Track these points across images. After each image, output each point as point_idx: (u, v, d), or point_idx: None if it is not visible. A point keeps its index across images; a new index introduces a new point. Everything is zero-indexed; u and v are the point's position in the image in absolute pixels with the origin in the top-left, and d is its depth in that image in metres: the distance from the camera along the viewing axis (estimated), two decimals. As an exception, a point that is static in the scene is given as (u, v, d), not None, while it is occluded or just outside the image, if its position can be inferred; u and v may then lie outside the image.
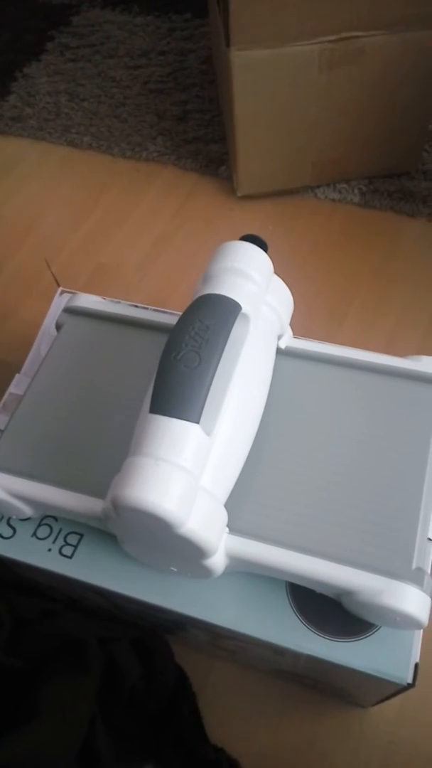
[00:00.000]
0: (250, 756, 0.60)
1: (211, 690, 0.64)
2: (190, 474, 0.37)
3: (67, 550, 0.49)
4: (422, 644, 0.45)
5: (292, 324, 0.52)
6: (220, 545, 0.42)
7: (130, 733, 0.58)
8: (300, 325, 0.55)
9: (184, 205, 1.06)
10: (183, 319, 0.41)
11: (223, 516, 0.41)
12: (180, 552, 0.41)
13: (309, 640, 0.45)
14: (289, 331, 0.51)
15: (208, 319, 0.40)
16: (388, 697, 0.52)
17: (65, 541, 0.50)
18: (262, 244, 0.46)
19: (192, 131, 1.14)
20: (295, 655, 0.47)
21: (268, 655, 0.51)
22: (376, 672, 0.44)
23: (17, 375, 0.61)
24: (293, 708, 0.64)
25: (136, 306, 0.59)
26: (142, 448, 0.37)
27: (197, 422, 0.38)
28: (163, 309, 0.59)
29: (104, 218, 1.05)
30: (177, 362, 0.39)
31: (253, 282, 0.44)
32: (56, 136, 1.17)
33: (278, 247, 0.98)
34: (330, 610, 0.45)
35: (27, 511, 0.48)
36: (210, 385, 0.38)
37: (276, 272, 0.48)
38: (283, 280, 0.48)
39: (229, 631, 0.47)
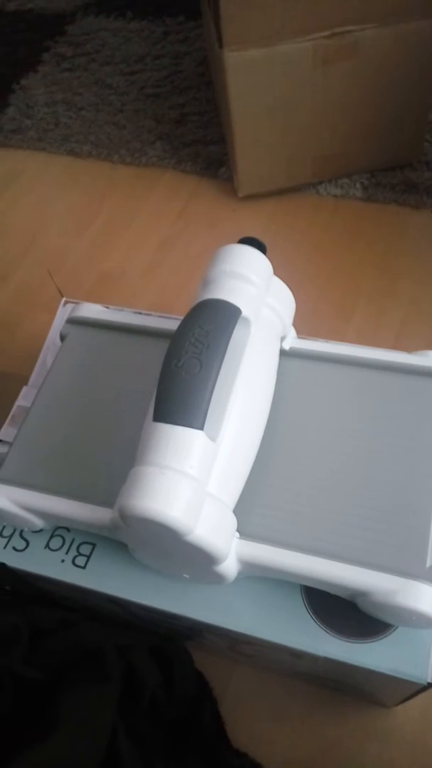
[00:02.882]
0: (274, 760, 0.60)
1: (233, 694, 0.64)
2: (196, 481, 0.37)
3: (80, 561, 0.49)
4: (442, 643, 0.44)
5: (298, 323, 0.51)
6: (231, 551, 0.41)
7: (153, 741, 0.58)
8: (307, 323, 0.55)
9: (186, 209, 1.05)
10: (183, 326, 0.41)
11: (232, 521, 0.41)
12: (191, 559, 0.41)
13: (326, 642, 0.45)
14: (292, 332, 0.51)
15: (208, 325, 0.40)
16: (410, 697, 0.52)
17: (78, 551, 0.50)
18: (261, 246, 0.46)
19: (191, 134, 1.14)
20: (313, 658, 0.46)
21: (287, 658, 0.51)
22: (395, 672, 0.43)
23: (24, 387, 0.61)
24: (316, 710, 0.64)
25: (140, 313, 0.59)
26: (146, 457, 0.37)
27: (201, 429, 0.37)
28: (167, 315, 0.59)
29: (107, 226, 1.06)
30: (178, 369, 0.39)
31: (253, 285, 0.44)
32: (56, 146, 1.18)
33: (282, 246, 0.98)
34: (346, 612, 0.44)
35: (39, 523, 0.48)
36: (212, 390, 0.38)
37: (280, 271, 0.48)
38: (288, 279, 0.48)
39: (245, 636, 0.47)
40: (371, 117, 0.92)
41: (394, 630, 0.45)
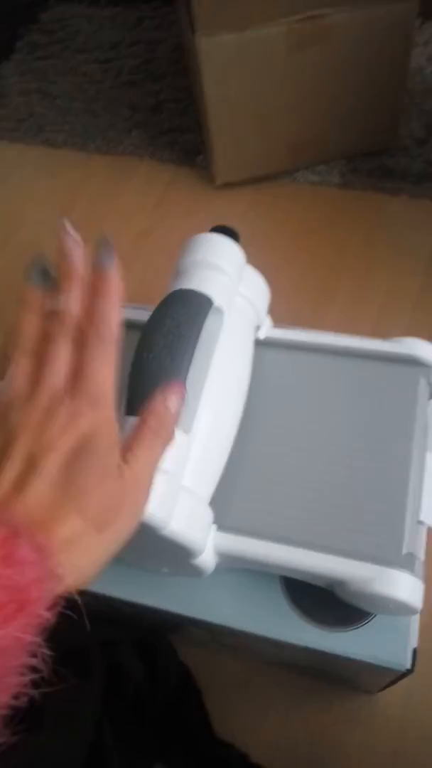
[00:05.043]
0: (261, 749, 0.60)
1: (217, 686, 0.64)
2: (169, 474, 0.36)
3: (58, 557, 0.49)
4: (421, 629, 0.45)
5: (277, 311, 0.51)
6: (208, 543, 0.41)
7: (138, 735, 0.57)
8: (286, 312, 0.54)
9: (164, 198, 1.04)
10: (153, 318, 0.40)
11: (207, 514, 0.40)
12: (168, 553, 0.40)
13: (305, 632, 0.45)
14: (267, 321, 0.50)
15: (179, 316, 0.40)
16: (392, 683, 0.52)
17: (55, 548, 0.49)
18: (233, 234, 0.46)
19: (167, 122, 1.13)
20: (294, 648, 0.46)
21: (269, 648, 0.51)
22: (375, 660, 0.43)
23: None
24: (301, 698, 0.64)
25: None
26: (118, 452, 0.37)
27: (173, 421, 0.37)
28: (141, 306, 0.58)
29: (84, 216, 1.04)
30: (149, 362, 0.38)
31: (224, 274, 0.43)
32: (31, 135, 1.16)
33: (260, 234, 0.97)
34: (325, 601, 0.44)
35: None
36: (185, 383, 0.38)
37: (258, 259, 0.47)
38: (266, 268, 0.47)
39: (225, 628, 0.46)
40: (347, 102, 0.91)
41: (373, 617, 0.45)
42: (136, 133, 1.12)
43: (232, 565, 0.44)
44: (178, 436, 0.37)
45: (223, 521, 0.42)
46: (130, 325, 0.53)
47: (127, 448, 0.30)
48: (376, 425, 0.46)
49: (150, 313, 0.51)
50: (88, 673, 0.55)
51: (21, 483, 0.28)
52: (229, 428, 0.43)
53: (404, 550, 0.40)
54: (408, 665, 0.43)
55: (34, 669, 0.25)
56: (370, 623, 0.44)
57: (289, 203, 0.99)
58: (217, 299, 0.42)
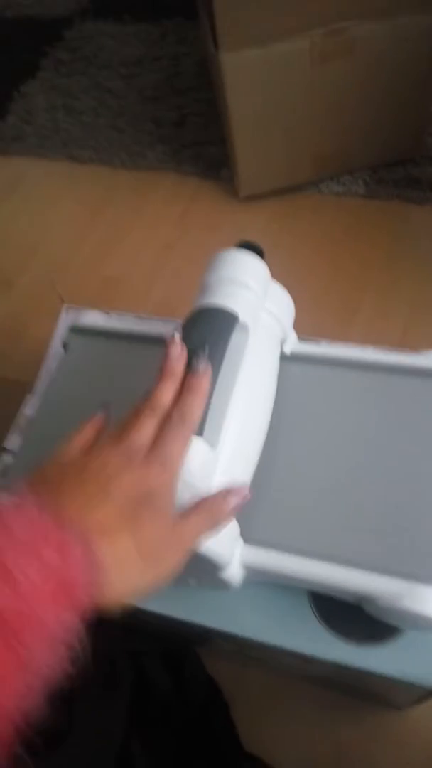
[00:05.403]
0: (288, 763, 0.60)
1: (245, 699, 0.64)
2: (196, 488, 0.37)
3: (87, 570, 0.49)
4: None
5: (301, 324, 0.51)
6: (235, 557, 0.41)
7: (164, 746, 0.57)
8: (310, 325, 0.54)
9: (188, 211, 1.05)
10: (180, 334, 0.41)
11: (234, 528, 0.40)
12: (195, 565, 0.40)
13: (334, 647, 0.44)
14: (293, 336, 0.50)
15: (206, 332, 0.40)
16: (422, 699, 0.51)
17: (84, 560, 0.50)
18: (258, 250, 0.46)
19: (190, 135, 1.14)
20: (322, 663, 0.46)
21: (296, 662, 0.51)
22: (405, 676, 0.43)
23: (28, 395, 0.61)
24: (329, 713, 0.63)
25: (142, 318, 0.59)
26: (147, 467, 0.37)
27: (201, 435, 0.37)
28: (168, 319, 0.59)
29: (108, 231, 1.06)
30: (177, 378, 0.39)
31: (250, 290, 0.44)
32: (56, 151, 1.18)
33: (284, 246, 0.98)
34: (354, 615, 0.44)
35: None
36: (211, 398, 0.38)
37: (282, 272, 0.47)
38: (290, 280, 0.48)
39: (252, 641, 0.46)
40: (371, 113, 0.91)
41: (402, 633, 0.44)
42: (160, 147, 1.14)
43: (260, 579, 0.44)
44: (205, 450, 0.37)
45: (249, 534, 0.42)
46: (158, 340, 0.54)
47: (184, 513, 0.35)
48: (405, 439, 0.45)
49: (176, 327, 0.52)
50: (114, 683, 0.55)
51: (92, 501, 0.33)
52: (255, 442, 0.43)
53: (434, 566, 0.40)
54: (439, 682, 0.42)
55: (76, 654, 0.28)
56: (399, 639, 0.44)
57: (312, 215, 1.00)
58: (243, 315, 0.42)
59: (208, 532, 0.36)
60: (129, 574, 0.32)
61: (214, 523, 0.36)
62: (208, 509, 0.36)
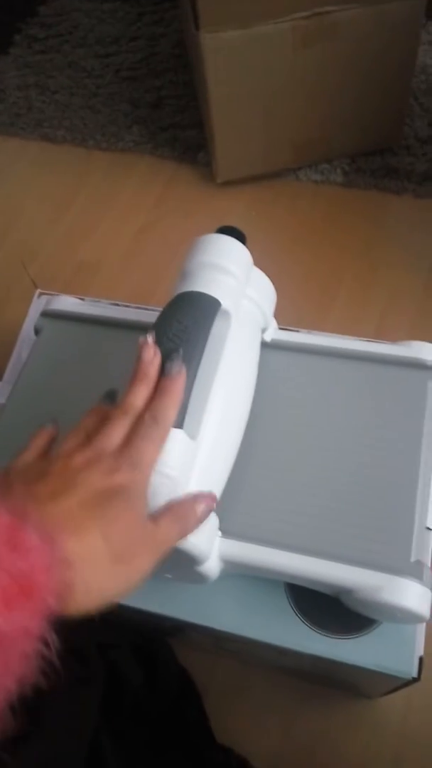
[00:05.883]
0: (261, 754, 0.60)
1: (217, 690, 0.64)
2: (175, 481, 0.36)
3: (59, 562, 0.48)
4: (427, 637, 0.44)
5: (280, 311, 0.50)
6: (213, 550, 0.40)
7: (136, 740, 0.57)
8: (287, 313, 0.53)
9: (164, 195, 1.03)
10: (160, 321, 0.40)
11: (213, 521, 0.40)
12: (172, 559, 0.40)
13: (311, 639, 0.44)
14: (273, 324, 0.49)
15: (187, 319, 0.39)
16: (394, 689, 0.51)
17: (56, 552, 0.48)
18: (240, 236, 0.45)
19: (168, 118, 1.12)
20: (298, 655, 0.46)
21: (271, 654, 0.50)
22: (381, 668, 0.43)
23: (-1, 383, 0.59)
24: (301, 703, 0.63)
25: (117, 304, 0.58)
26: (124, 458, 0.36)
27: (180, 427, 0.36)
28: (145, 306, 0.57)
29: (83, 214, 1.03)
30: (156, 365, 0.37)
31: (232, 276, 0.42)
32: (29, 131, 1.14)
33: (262, 232, 0.97)
34: (330, 608, 0.44)
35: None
36: (192, 387, 0.37)
37: (259, 260, 0.46)
38: (267, 268, 0.47)
39: (228, 634, 0.46)
40: (352, 100, 0.90)
41: (379, 625, 0.44)
42: (137, 129, 1.11)
43: (237, 572, 0.43)
44: (185, 441, 0.36)
45: (228, 528, 0.41)
46: (134, 327, 0.52)
47: (153, 516, 0.34)
48: (384, 430, 0.45)
49: (153, 314, 0.51)
50: (86, 675, 0.54)
51: (55, 494, 0.30)
52: (235, 433, 0.42)
53: (413, 558, 0.40)
54: (414, 673, 0.42)
55: (41, 657, 0.25)
56: (376, 631, 0.44)
57: (290, 202, 0.99)
58: (225, 302, 0.41)
59: (179, 537, 0.35)
60: (98, 574, 0.30)
61: (184, 528, 0.35)
62: (178, 513, 0.35)
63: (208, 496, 0.36)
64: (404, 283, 0.87)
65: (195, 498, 0.36)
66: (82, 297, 0.58)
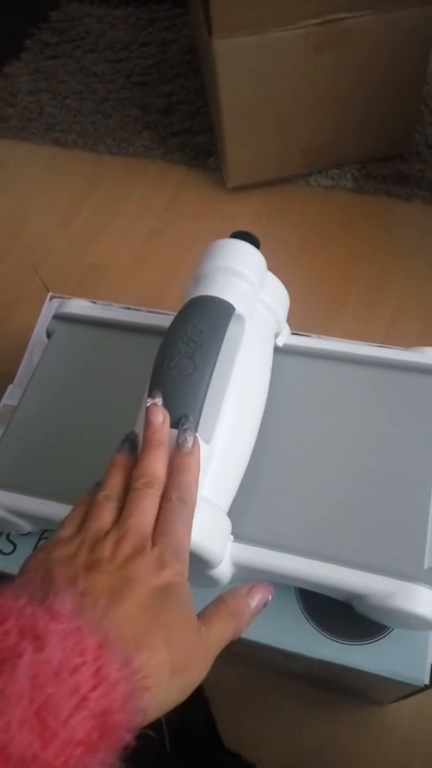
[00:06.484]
0: (269, 759, 0.60)
1: (225, 695, 0.63)
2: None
3: (70, 564, 0.48)
4: None
5: (291, 315, 0.50)
6: (225, 554, 0.40)
7: (144, 744, 0.57)
8: (297, 318, 0.54)
9: (174, 200, 1.04)
10: (175, 324, 0.40)
11: (225, 524, 0.40)
12: (184, 563, 0.40)
13: (321, 644, 0.44)
14: (286, 328, 0.49)
15: (201, 323, 0.39)
16: (405, 696, 0.51)
17: (67, 554, 0.48)
18: (254, 241, 0.45)
19: (178, 123, 1.12)
20: (309, 660, 0.45)
21: (281, 659, 0.50)
22: (392, 674, 0.43)
23: (10, 386, 0.59)
24: (309, 709, 0.63)
25: (128, 308, 0.58)
26: (139, 461, 0.36)
27: (195, 431, 0.36)
28: (155, 310, 0.57)
29: (93, 218, 1.04)
30: (170, 370, 0.38)
31: (247, 281, 0.43)
32: (40, 135, 1.15)
33: (271, 238, 0.96)
34: (342, 613, 0.43)
35: (26, 526, 0.47)
36: (206, 392, 0.37)
37: (270, 264, 0.46)
38: (277, 273, 0.47)
39: (240, 639, 0.46)
40: (363, 107, 0.90)
41: (390, 631, 0.44)
42: (147, 134, 1.12)
43: (248, 576, 0.43)
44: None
45: (240, 532, 0.41)
46: (145, 330, 0.53)
47: (205, 617, 0.31)
48: (397, 436, 0.45)
49: (165, 317, 0.51)
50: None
51: (113, 594, 0.27)
52: (248, 438, 0.42)
53: (426, 565, 0.40)
54: (426, 680, 0.42)
55: None
56: (387, 637, 0.44)
57: (300, 207, 0.99)
58: (240, 306, 0.41)
59: (233, 637, 0.32)
60: (164, 690, 0.27)
61: (239, 628, 0.32)
62: (232, 612, 0.32)
63: (264, 588, 0.33)
64: (414, 288, 0.87)
65: (249, 591, 0.33)
66: (93, 300, 0.59)
